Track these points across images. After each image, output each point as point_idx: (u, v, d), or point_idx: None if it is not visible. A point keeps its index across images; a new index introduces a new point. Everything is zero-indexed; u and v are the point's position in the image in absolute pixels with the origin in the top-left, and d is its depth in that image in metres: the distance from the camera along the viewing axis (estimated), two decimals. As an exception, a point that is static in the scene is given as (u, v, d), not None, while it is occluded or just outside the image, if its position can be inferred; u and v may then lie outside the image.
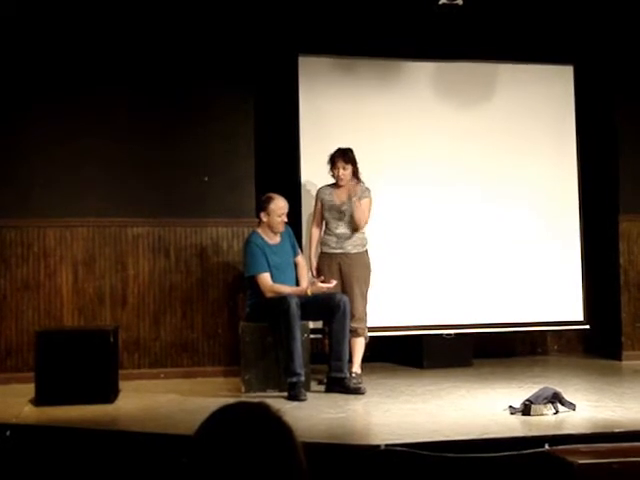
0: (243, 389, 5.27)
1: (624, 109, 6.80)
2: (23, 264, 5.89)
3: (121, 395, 5.14)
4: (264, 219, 5.49)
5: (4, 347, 5.82)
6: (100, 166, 6.00)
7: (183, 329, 6.07)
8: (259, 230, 5.53)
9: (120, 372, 5.29)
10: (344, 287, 5.59)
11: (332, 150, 5.72)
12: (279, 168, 6.44)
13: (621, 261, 6.78)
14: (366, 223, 5.70)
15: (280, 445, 1.33)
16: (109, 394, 4.96)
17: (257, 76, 6.33)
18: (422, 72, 6.64)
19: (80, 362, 4.94)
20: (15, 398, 5.06)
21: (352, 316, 5.45)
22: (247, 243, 5.52)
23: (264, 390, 5.22)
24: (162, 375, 5.96)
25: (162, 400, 5.11)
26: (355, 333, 5.51)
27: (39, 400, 4.85)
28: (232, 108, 6.20)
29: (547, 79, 6.81)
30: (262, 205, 5.52)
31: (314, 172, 6.22)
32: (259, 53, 6.32)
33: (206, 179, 6.15)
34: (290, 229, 5.68)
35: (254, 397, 5.03)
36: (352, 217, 5.62)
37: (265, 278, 5.37)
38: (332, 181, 5.75)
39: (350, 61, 6.51)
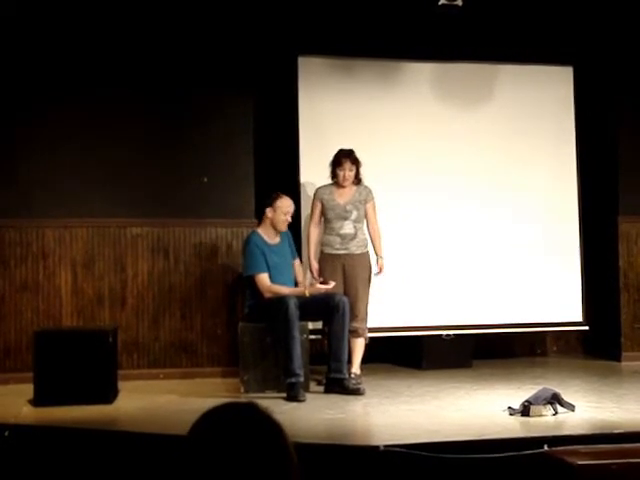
0: (242, 390, 5.27)
1: (623, 110, 6.80)
2: (22, 264, 5.88)
3: (120, 395, 5.14)
4: (269, 214, 5.48)
5: (3, 347, 5.82)
6: (99, 167, 6.00)
7: (182, 330, 6.07)
8: (259, 230, 5.53)
9: (119, 372, 5.28)
10: (347, 288, 5.58)
11: (331, 150, 5.73)
12: (278, 169, 6.44)
13: (620, 262, 6.78)
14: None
15: (270, 444, 1.34)
16: (108, 394, 4.96)
17: (256, 77, 6.33)
18: (421, 73, 6.64)
19: (79, 362, 4.93)
20: (14, 398, 5.05)
21: (354, 316, 5.46)
22: (246, 243, 5.51)
23: (263, 391, 5.22)
24: (161, 376, 5.95)
25: (161, 401, 5.11)
26: (356, 333, 5.51)
27: (38, 400, 4.84)
28: (231, 109, 6.19)
29: (547, 80, 6.81)
30: (269, 201, 5.52)
31: (313, 173, 6.22)
32: (258, 54, 6.31)
33: (205, 180, 6.15)
34: (290, 233, 5.68)
35: (253, 398, 5.02)
36: (359, 218, 5.65)
37: (263, 278, 5.37)
38: (330, 181, 5.74)
39: (349, 62, 6.51)
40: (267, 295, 5.34)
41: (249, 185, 6.20)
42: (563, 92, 6.83)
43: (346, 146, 5.73)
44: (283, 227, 5.53)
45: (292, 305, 5.09)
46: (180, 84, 6.15)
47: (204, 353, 6.08)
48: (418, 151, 6.56)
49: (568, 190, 6.81)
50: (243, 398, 5.05)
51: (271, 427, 1.37)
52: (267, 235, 5.50)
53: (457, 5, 5.79)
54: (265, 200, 5.62)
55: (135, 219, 6.04)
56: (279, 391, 5.14)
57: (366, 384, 5.42)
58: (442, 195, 6.57)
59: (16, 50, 5.90)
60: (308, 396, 5.07)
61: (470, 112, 6.65)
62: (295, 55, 6.39)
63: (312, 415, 4.55)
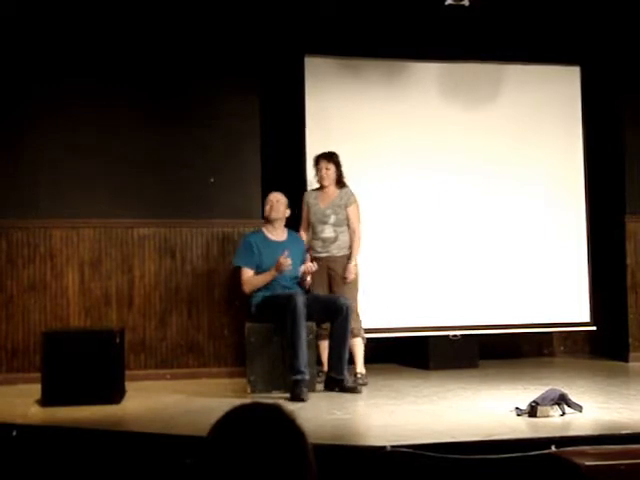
0: (248, 390, 5.27)
1: (630, 110, 6.79)
2: (30, 265, 5.90)
3: (127, 396, 5.15)
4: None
5: (11, 348, 5.84)
6: (106, 167, 6.01)
7: (189, 330, 6.08)
8: (263, 228, 5.61)
9: (126, 373, 5.30)
10: (333, 290, 5.64)
11: (338, 150, 5.77)
12: (285, 169, 6.45)
13: (628, 262, 6.77)
14: (360, 225, 5.76)
15: (292, 447, 1.33)
16: (115, 395, 4.96)
17: (263, 76, 6.34)
18: (428, 73, 6.64)
19: (86, 363, 4.94)
20: (22, 398, 5.07)
21: None
22: (242, 237, 5.65)
23: (269, 391, 5.22)
24: (168, 376, 5.96)
25: (168, 401, 5.11)
26: (351, 334, 5.53)
27: (45, 400, 4.85)
28: (238, 108, 6.20)
29: (554, 80, 6.81)
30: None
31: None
32: (265, 53, 6.32)
33: (212, 180, 6.15)
34: (300, 239, 5.72)
35: (259, 398, 5.02)
36: (338, 222, 5.69)
37: (245, 272, 5.46)
38: (317, 186, 5.82)
39: (356, 62, 6.52)
40: (245, 288, 5.43)
41: (256, 185, 6.21)
42: (570, 92, 6.82)
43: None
44: (272, 215, 5.54)
45: (300, 303, 5.10)
46: (186, 84, 6.16)
47: (211, 353, 6.09)
48: (424, 151, 6.56)
49: (575, 190, 6.80)
50: (249, 398, 5.05)
51: (294, 431, 1.36)
52: (269, 232, 5.56)
53: (464, 5, 5.78)
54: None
55: (142, 220, 6.05)
56: (285, 391, 5.13)
57: (373, 384, 5.43)
58: (448, 195, 6.56)
59: (19, 51, 5.92)
60: (314, 396, 5.08)
61: (476, 112, 6.64)
62: (302, 55, 6.40)
63: (319, 415, 4.54)
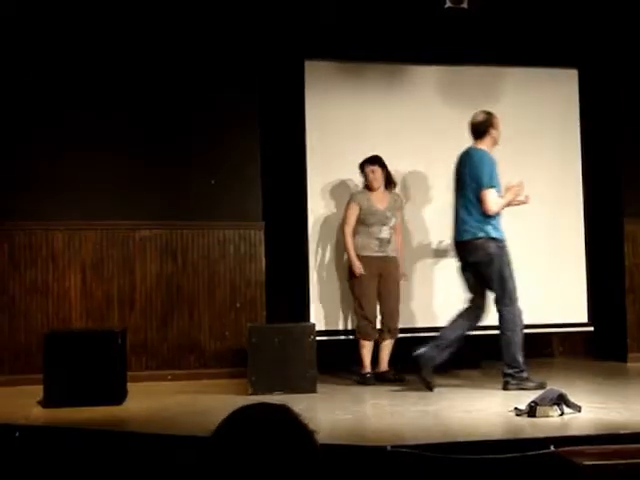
0: (250, 391, 5.29)
1: (628, 113, 6.81)
2: (32, 267, 5.93)
3: (129, 397, 5.17)
4: (494, 134, 5.43)
5: (13, 349, 5.86)
6: (108, 170, 6.04)
7: (190, 331, 6.10)
8: (486, 149, 5.41)
9: (128, 374, 5.31)
10: (382, 289, 5.87)
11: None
12: (286, 171, 6.47)
13: (626, 263, 6.78)
14: None
15: (300, 447, 1.32)
16: (117, 396, 4.99)
17: (263, 80, 6.36)
18: (428, 76, 6.66)
19: (88, 364, 4.97)
20: (24, 400, 5.09)
21: (398, 317, 5.90)
22: (482, 156, 5.35)
23: (271, 392, 5.24)
24: (169, 377, 5.98)
25: (170, 402, 5.13)
26: (392, 335, 5.90)
27: (48, 402, 4.88)
28: (239, 111, 6.22)
29: (552, 82, 6.83)
30: (486, 124, 5.41)
31: (320, 176, 6.25)
32: (265, 57, 6.34)
33: (213, 182, 6.18)
34: None
35: (261, 399, 5.04)
36: (394, 224, 5.95)
37: (494, 193, 5.31)
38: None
39: (356, 66, 6.53)
40: (494, 209, 5.29)
41: (256, 187, 6.23)
42: (568, 95, 6.84)
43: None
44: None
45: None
46: (187, 88, 6.18)
47: (212, 354, 6.11)
48: (424, 153, 6.58)
49: (573, 191, 6.82)
50: (251, 399, 5.07)
51: (302, 431, 1.35)
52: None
53: (463, 8, 5.81)
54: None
55: (143, 222, 6.08)
56: (287, 392, 5.17)
57: (374, 386, 5.46)
58: (448, 197, 6.57)
59: (20, 55, 5.94)
60: (314, 397, 5.11)
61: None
62: (302, 59, 6.42)
63: (320, 416, 4.57)
